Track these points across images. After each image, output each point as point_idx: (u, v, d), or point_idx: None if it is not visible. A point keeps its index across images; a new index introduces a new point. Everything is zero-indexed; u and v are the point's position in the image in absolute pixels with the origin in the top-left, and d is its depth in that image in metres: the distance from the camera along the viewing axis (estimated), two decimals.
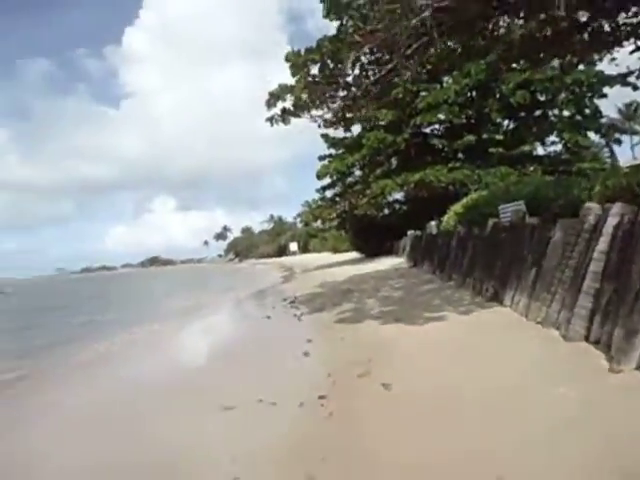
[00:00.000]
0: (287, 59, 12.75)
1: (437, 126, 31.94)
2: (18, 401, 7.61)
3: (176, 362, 9.37)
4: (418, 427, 4.21)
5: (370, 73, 12.78)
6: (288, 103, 13.62)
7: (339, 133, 30.76)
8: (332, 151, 35.03)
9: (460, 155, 30.02)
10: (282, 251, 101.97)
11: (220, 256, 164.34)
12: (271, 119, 13.85)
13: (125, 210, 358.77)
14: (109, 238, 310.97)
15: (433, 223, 21.09)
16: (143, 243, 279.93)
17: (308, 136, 41.57)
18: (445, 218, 17.62)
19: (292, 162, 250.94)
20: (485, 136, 29.30)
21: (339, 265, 31.99)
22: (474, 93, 29.47)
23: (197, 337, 11.88)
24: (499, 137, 29.81)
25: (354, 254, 39.47)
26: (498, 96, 28.69)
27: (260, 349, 8.97)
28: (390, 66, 11.06)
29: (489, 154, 27.80)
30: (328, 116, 13.61)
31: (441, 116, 29.12)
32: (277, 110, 13.83)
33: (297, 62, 12.05)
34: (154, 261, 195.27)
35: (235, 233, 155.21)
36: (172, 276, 73.15)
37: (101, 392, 7.39)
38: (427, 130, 32.08)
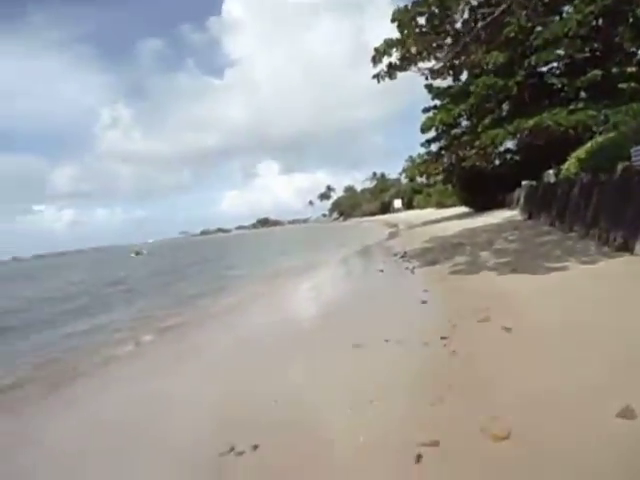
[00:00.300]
0: (393, 18, 12.56)
1: (555, 64, 28.96)
2: (177, 343, 9.05)
3: (302, 310, 10.39)
4: (539, 364, 4.45)
5: (480, 16, 12.19)
6: (394, 58, 13.56)
7: (443, 83, 29.49)
8: (437, 102, 33.67)
9: (583, 94, 27.09)
10: (386, 208, 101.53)
11: (324, 215, 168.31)
12: (377, 75, 13.91)
13: (235, 175, 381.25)
14: (223, 202, 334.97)
15: (551, 172, 19.76)
16: (253, 206, 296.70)
17: (409, 90, 40.32)
18: (565, 165, 16.43)
19: (392, 118, 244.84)
20: (614, 70, 25.96)
21: (446, 220, 31.38)
22: (600, 21, 26.06)
23: (318, 289, 12.87)
24: (632, 69, 26.21)
25: (461, 209, 38.27)
26: (631, 21, 25.07)
27: (378, 298, 9.59)
28: (503, 7, 10.50)
29: (619, 90, 24.69)
30: (437, 66, 13.34)
31: (560, 52, 26.35)
32: (383, 66, 13.85)
33: (404, 18, 11.87)
34: (264, 222, 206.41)
35: (338, 192, 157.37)
36: (282, 236, 77.17)
37: (241, 336, 8.55)
38: (543, 69, 29.28)
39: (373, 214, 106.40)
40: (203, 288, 16.98)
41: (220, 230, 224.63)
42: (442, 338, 5.78)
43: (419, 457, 3.24)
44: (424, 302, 8.07)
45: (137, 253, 71.92)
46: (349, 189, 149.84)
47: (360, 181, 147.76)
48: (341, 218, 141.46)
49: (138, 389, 6.32)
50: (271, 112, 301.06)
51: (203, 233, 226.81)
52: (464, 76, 28.69)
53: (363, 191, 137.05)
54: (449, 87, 31.80)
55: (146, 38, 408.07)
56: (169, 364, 7.34)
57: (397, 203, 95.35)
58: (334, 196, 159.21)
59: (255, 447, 3.86)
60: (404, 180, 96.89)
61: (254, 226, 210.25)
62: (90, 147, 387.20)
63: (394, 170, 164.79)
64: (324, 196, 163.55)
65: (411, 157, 79.53)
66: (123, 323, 11.87)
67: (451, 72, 15.55)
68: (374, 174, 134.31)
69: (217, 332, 9.31)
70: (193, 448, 4.17)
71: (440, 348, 5.49)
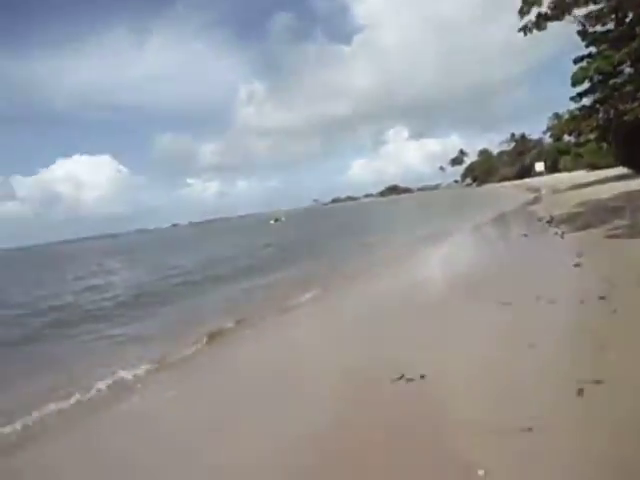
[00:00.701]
0: None
1: None
2: (342, 297, 10.06)
3: (447, 271, 10.81)
4: None
5: None
6: (545, 7, 12.76)
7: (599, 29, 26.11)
8: (591, 50, 29.91)
9: None
10: (525, 172, 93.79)
11: (456, 182, 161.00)
12: (524, 28, 13.26)
13: (364, 143, 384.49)
14: (352, 170, 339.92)
15: None
16: (382, 173, 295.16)
17: (550, 41, 36.27)
18: None
19: (530, 74, 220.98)
20: None
21: (600, 183, 28.40)
22: None
23: (461, 251, 13.10)
24: None
25: (619, 170, 33.99)
26: None
27: (527, 261, 9.57)
28: None
29: None
30: (596, 11, 12.24)
31: None
32: (531, 17, 13.13)
33: None
34: (393, 190, 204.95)
35: (472, 157, 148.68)
36: (414, 202, 76.43)
37: (395, 292, 9.33)
38: None
39: (510, 179, 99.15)
40: (349, 252, 18.25)
41: (350, 198, 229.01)
42: (600, 298, 5.77)
43: (581, 391, 3.60)
44: (577, 265, 7.90)
45: (276, 220, 77.51)
46: (483, 152, 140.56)
47: (496, 144, 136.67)
48: (474, 184, 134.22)
49: (313, 330, 7.53)
50: (400, 76, 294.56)
51: (334, 201, 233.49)
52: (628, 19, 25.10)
53: (500, 154, 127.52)
54: (607, 31, 28.00)
55: (277, 12, 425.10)
56: (339, 312, 8.52)
57: (539, 166, 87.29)
58: (467, 161, 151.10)
59: (422, 376, 4.53)
60: (547, 140, 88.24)
61: (382, 194, 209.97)
62: (230, 123, 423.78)
63: (535, 129, 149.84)
64: (456, 161, 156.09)
65: (557, 114, 71.81)
66: (289, 280, 13.48)
67: (613, 16, 14.01)
68: (512, 135, 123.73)
69: (373, 289, 10.22)
70: (367, 373, 5.02)
71: (599, 307, 5.52)
